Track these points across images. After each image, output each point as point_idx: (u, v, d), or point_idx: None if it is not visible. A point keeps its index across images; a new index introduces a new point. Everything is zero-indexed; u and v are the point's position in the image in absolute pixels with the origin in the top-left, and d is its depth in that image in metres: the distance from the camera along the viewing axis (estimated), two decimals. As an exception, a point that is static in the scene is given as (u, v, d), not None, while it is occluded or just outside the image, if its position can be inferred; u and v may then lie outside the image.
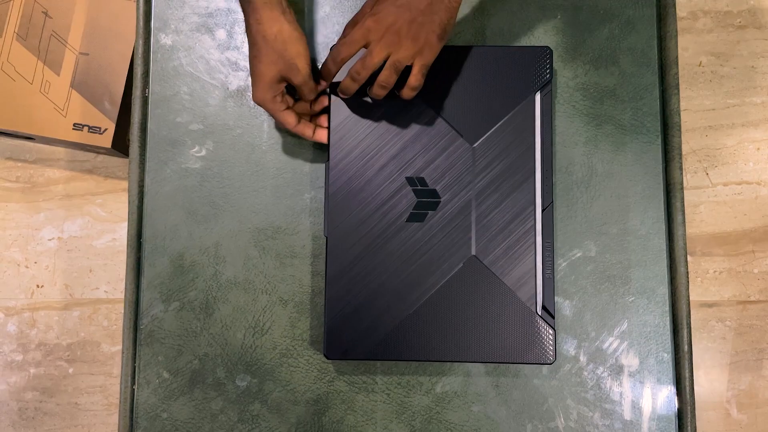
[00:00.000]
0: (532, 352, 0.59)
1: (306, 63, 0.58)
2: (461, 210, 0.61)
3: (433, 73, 0.60)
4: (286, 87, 0.61)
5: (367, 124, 0.62)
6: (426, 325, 0.60)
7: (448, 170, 0.61)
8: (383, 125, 0.62)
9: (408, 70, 0.57)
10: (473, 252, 0.60)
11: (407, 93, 0.59)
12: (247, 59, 0.60)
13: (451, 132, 0.61)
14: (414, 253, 0.60)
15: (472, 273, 0.60)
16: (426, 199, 0.61)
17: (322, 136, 0.62)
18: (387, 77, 0.57)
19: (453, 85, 0.62)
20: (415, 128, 0.61)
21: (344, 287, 0.60)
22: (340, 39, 0.58)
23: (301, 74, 0.58)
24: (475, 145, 0.61)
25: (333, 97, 0.62)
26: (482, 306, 0.60)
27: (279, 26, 0.56)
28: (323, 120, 0.63)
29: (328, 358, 0.61)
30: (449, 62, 0.62)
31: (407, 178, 0.61)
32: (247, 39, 0.59)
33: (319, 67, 0.62)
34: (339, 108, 0.62)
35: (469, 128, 0.61)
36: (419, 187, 0.61)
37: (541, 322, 0.60)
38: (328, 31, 0.68)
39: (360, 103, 0.62)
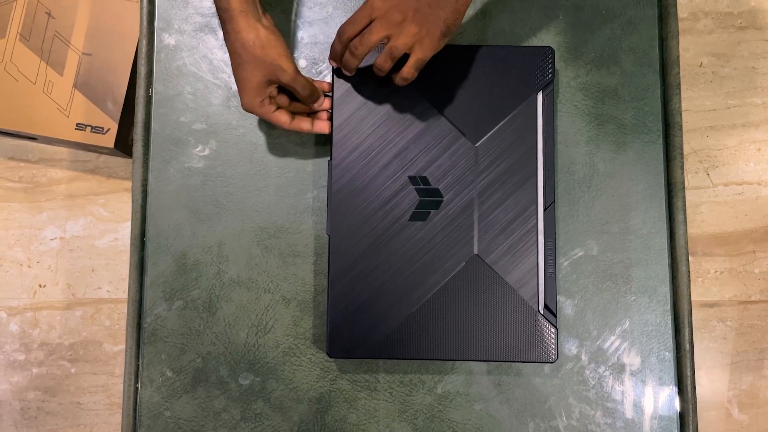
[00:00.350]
0: (534, 350, 0.60)
1: (290, 62, 0.58)
2: (464, 209, 0.61)
3: (436, 73, 0.60)
4: (279, 89, 0.61)
5: (370, 122, 0.62)
6: (428, 323, 0.60)
7: (451, 169, 0.61)
8: (386, 124, 0.62)
9: (405, 58, 0.57)
10: (475, 251, 0.61)
11: (398, 81, 0.59)
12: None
13: (454, 131, 0.62)
14: (416, 251, 0.60)
15: (474, 272, 0.60)
16: (428, 198, 0.61)
17: (322, 126, 0.62)
18: (382, 63, 0.57)
19: (456, 84, 0.62)
20: (417, 127, 0.62)
21: (347, 286, 0.60)
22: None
23: (287, 73, 0.58)
24: (477, 145, 0.61)
25: (336, 93, 0.62)
26: (484, 305, 0.60)
27: (256, 32, 0.56)
28: (322, 112, 0.63)
29: (330, 357, 0.61)
30: (452, 62, 0.62)
31: (410, 177, 0.61)
32: (227, 49, 0.59)
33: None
34: (342, 106, 0.62)
35: (471, 127, 0.62)
36: (422, 186, 0.61)
37: (543, 320, 0.60)
38: (330, 32, 0.68)
39: (363, 102, 0.62)
